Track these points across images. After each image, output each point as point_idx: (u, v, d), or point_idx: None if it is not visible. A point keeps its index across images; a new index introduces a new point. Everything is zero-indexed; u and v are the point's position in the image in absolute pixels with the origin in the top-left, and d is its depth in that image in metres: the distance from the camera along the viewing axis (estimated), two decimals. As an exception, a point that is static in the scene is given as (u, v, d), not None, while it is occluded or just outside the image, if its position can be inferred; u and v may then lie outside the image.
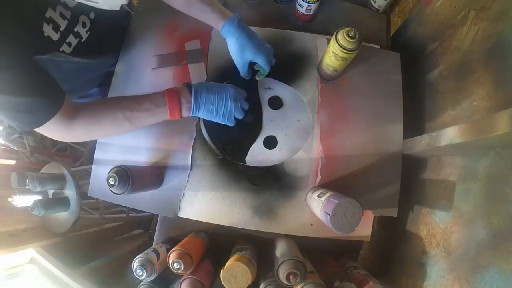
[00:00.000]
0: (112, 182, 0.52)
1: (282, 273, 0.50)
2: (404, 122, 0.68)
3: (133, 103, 0.56)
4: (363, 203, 0.48)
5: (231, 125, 0.63)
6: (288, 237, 0.63)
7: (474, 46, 0.59)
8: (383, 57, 0.71)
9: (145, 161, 0.68)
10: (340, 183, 0.65)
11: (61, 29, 0.52)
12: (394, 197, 0.65)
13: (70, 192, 0.82)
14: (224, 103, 0.59)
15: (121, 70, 0.73)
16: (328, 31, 0.73)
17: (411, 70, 0.83)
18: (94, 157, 0.70)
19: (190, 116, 0.60)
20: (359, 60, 0.66)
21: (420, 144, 0.62)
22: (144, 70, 0.73)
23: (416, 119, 0.76)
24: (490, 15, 0.56)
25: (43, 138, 1.39)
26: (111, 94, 0.72)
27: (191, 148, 0.67)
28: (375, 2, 0.75)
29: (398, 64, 0.71)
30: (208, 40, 0.72)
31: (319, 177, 0.65)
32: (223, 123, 0.62)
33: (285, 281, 0.50)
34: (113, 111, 0.55)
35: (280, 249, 0.56)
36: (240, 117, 0.62)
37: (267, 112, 0.69)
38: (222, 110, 0.59)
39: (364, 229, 0.63)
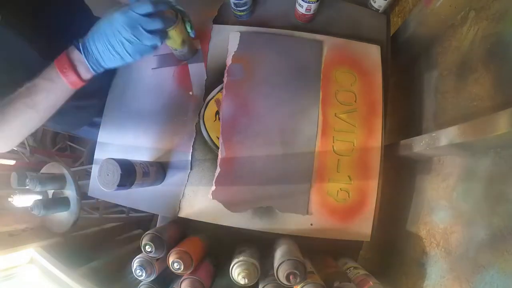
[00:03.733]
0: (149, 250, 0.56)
1: (282, 273, 0.50)
2: (404, 122, 0.68)
3: (30, 87, 0.50)
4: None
5: (150, 53, 0.50)
6: (288, 237, 0.63)
7: (474, 46, 0.59)
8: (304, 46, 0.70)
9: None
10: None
11: None
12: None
13: (70, 192, 0.81)
14: (119, 39, 0.46)
15: (121, 70, 0.73)
16: (328, 31, 0.73)
17: (411, 70, 0.83)
18: (94, 157, 0.70)
19: (98, 72, 0.50)
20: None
21: (420, 144, 0.62)
22: (144, 70, 0.73)
23: (416, 119, 0.76)
24: (490, 15, 0.56)
25: (43, 138, 1.40)
26: (111, 95, 0.73)
27: (191, 148, 0.67)
28: (375, 2, 0.75)
29: (320, 52, 0.70)
30: (208, 40, 0.72)
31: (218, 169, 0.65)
32: (139, 57, 0.49)
33: (285, 281, 0.50)
34: (13, 104, 0.49)
35: (280, 249, 0.56)
36: (152, 42, 0.48)
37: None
38: (123, 49, 0.47)
39: (364, 229, 0.63)
